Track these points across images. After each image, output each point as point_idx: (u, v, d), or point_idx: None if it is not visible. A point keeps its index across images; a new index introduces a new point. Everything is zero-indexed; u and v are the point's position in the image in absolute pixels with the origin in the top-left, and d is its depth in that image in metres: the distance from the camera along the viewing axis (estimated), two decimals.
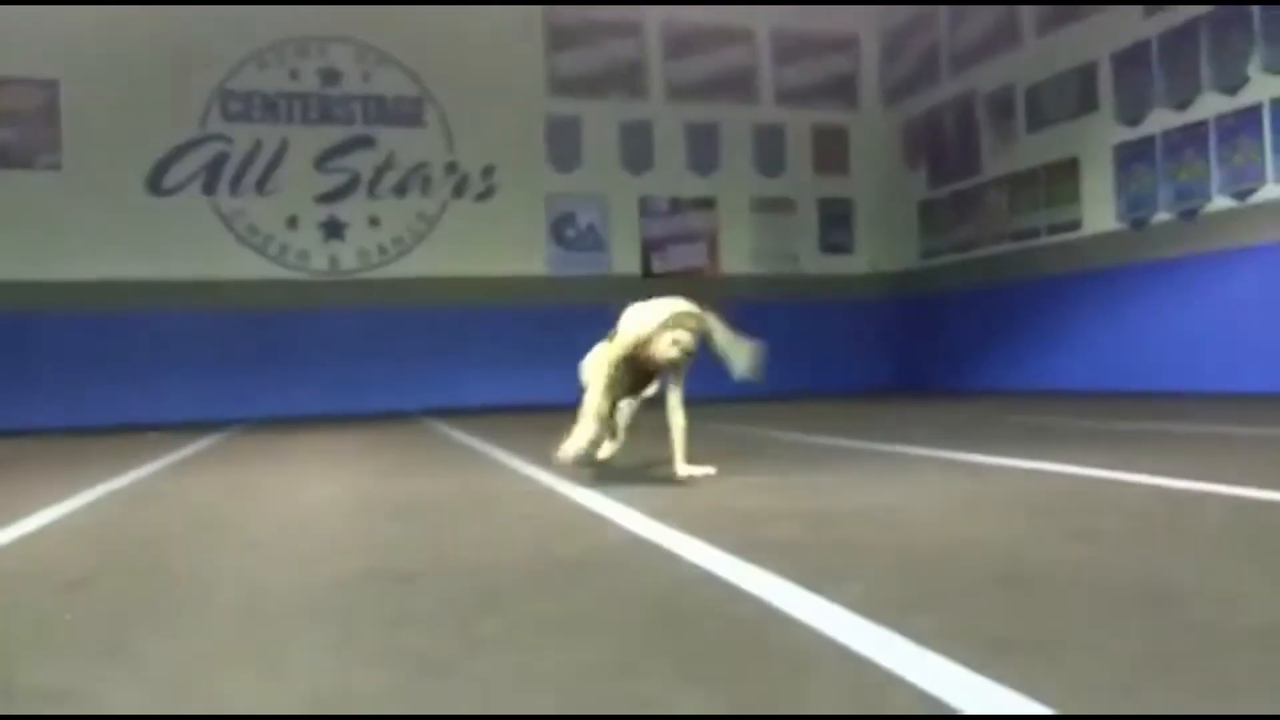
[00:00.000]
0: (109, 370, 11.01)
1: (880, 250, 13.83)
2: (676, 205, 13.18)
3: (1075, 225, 10.69)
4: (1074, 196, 10.71)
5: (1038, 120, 11.22)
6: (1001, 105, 11.73)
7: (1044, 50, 11.05)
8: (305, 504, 3.49)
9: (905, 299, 13.48)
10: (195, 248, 11.51)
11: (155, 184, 11.55)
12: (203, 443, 7.18)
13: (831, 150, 13.76)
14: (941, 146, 12.79)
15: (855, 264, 13.84)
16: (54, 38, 11.13)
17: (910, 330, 13.41)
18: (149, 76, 11.42)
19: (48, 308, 10.93)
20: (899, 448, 4.70)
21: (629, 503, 3.07)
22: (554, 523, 2.86)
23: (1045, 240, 11.10)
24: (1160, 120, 9.65)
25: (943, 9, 12.61)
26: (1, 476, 5.13)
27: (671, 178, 13.11)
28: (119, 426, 9.98)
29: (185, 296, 11.38)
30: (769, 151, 13.51)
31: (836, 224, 13.84)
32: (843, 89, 13.88)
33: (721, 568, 2.08)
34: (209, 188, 11.71)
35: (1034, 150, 11.24)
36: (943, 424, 6.42)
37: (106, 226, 11.18)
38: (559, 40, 12.73)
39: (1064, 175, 10.84)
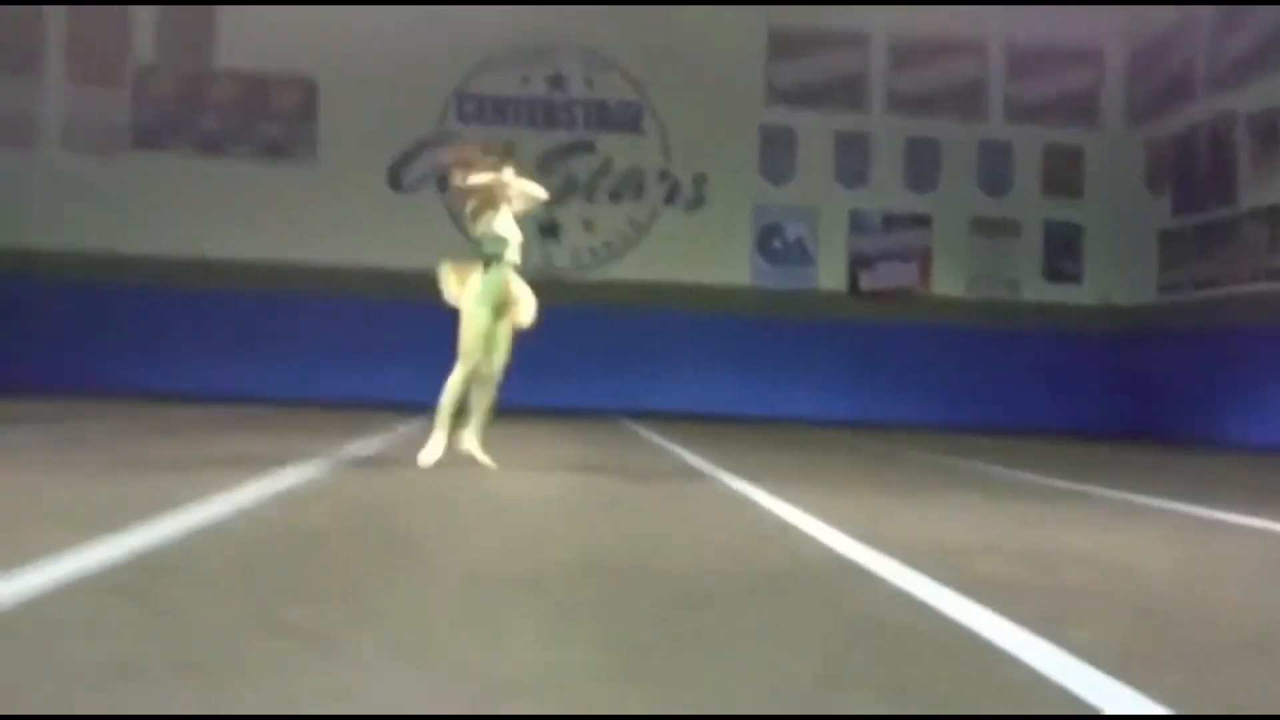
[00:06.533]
0: (340, 349, 11.95)
1: (1112, 281, 12.86)
2: (889, 221, 12.81)
3: None
4: None
5: None
6: (1266, 128, 10.63)
7: None
8: (517, 488, 3.66)
9: (1136, 335, 12.46)
10: (426, 242, 12.26)
11: (396, 180, 12.45)
12: (420, 422, 7.66)
13: (1063, 171, 12.94)
14: (1191, 172, 11.75)
15: (1082, 294, 12.94)
16: (316, 39, 12.20)
17: (1139, 370, 12.38)
18: (395, 78, 12.31)
19: (292, 288, 11.99)
20: (1122, 494, 4.36)
21: (823, 518, 3.02)
22: (752, 533, 2.86)
23: None
24: None
25: (1206, 16, 11.54)
26: (253, 437, 5.70)
27: (886, 193, 12.75)
28: (344, 401, 10.82)
29: (413, 286, 12.16)
30: (994, 170, 12.87)
31: (1063, 250, 13.00)
32: (1081, 106, 13.02)
33: (929, 595, 2.01)
34: (443, 185, 12.49)
35: None
36: (1172, 473, 5.90)
37: (351, 217, 12.15)
38: (781, 48, 12.68)
39: None
